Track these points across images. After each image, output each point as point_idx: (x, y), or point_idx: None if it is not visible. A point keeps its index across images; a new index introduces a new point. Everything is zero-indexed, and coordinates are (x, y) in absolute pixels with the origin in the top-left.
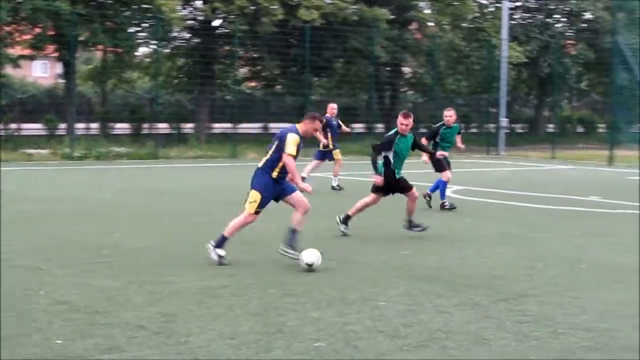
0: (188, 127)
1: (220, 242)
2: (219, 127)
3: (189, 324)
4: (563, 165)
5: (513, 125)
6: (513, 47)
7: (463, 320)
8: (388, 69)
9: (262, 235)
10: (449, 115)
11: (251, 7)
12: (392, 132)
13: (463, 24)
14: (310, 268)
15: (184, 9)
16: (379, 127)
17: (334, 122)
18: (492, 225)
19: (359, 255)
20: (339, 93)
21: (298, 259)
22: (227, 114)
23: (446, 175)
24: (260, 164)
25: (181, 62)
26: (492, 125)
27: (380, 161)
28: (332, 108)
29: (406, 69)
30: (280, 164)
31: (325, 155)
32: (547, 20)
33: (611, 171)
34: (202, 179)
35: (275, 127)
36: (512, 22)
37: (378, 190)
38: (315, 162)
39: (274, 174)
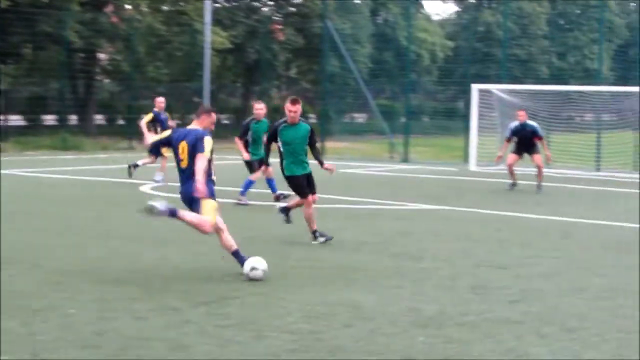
0: None
1: None
2: None
3: None
4: (270, 158)
5: (220, 115)
6: (217, 32)
7: (160, 326)
8: (82, 55)
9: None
10: (260, 108)
11: None
12: (280, 120)
13: (164, 7)
14: None
15: None
16: (73, 118)
17: (163, 117)
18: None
19: (42, 259)
20: (29, 81)
21: None
22: None
23: (256, 175)
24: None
25: None
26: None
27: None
28: (160, 102)
29: (102, 55)
30: None
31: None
32: (254, 3)
33: None
34: None
35: None
36: (217, 5)
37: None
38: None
39: None
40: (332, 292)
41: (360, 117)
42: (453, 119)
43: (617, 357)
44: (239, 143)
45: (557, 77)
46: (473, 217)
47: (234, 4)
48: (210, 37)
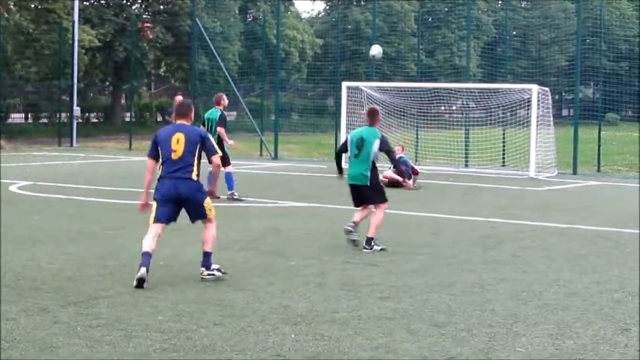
0: None
1: None
2: None
3: None
4: (141, 157)
5: (87, 114)
6: (86, 30)
7: (30, 327)
8: None
9: None
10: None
11: None
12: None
13: (31, 4)
14: None
15: None
16: None
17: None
18: (62, 223)
19: None
20: None
21: None
22: None
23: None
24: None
25: None
26: (64, 115)
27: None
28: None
29: None
30: None
31: None
32: (123, 2)
33: None
34: None
35: None
36: (85, 3)
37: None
38: None
39: None
40: (202, 290)
41: (230, 115)
42: (323, 116)
43: (486, 352)
44: (223, 132)
45: (426, 75)
46: (343, 214)
47: (102, 2)
48: (79, 35)
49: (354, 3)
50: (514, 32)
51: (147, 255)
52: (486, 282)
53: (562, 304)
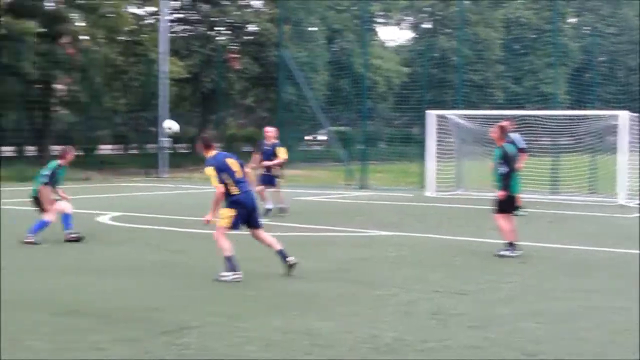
0: None
1: None
2: None
3: None
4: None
5: (176, 145)
6: (174, 61)
7: (121, 356)
8: (39, 86)
9: None
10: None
11: None
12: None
13: (120, 38)
14: None
15: None
16: (30, 149)
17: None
18: (149, 253)
19: None
20: None
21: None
22: None
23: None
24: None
25: None
26: (152, 146)
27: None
28: (268, 132)
29: (59, 86)
30: None
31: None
32: (210, 33)
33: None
34: None
35: None
36: (172, 35)
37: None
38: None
39: None
40: (290, 320)
41: (317, 145)
42: (409, 144)
43: None
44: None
45: (513, 102)
46: (430, 243)
47: (190, 33)
48: (167, 66)
49: (440, 31)
50: (602, 58)
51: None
52: (575, 310)
53: None
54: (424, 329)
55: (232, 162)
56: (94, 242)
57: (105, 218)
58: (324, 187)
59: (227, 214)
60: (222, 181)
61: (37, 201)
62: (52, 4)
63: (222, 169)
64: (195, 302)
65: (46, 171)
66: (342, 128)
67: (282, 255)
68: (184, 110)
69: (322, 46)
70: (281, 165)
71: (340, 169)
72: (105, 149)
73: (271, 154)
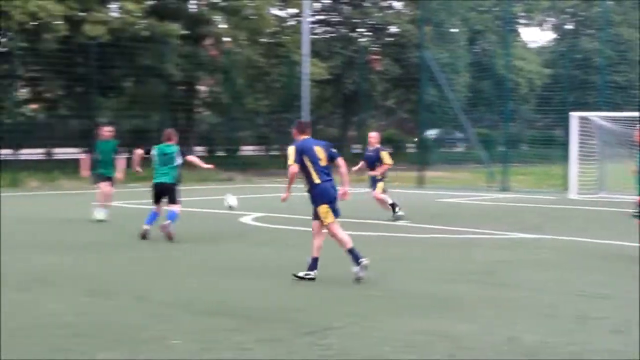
0: None
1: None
2: None
3: None
4: (370, 188)
5: None
6: (315, 63)
7: (265, 356)
8: (182, 87)
9: (45, 271)
10: (372, 136)
11: (31, 23)
12: None
13: (262, 39)
14: None
15: None
16: None
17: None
18: (292, 254)
19: (147, 291)
20: (130, 114)
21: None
22: (6, 139)
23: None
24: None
25: None
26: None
27: None
28: (371, 137)
29: (202, 88)
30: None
31: None
32: (351, 34)
33: (421, 193)
34: None
35: (60, 152)
36: (314, 36)
37: None
38: None
39: None
40: (432, 322)
41: (458, 146)
42: (552, 147)
43: None
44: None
45: None
46: (572, 246)
47: (332, 35)
48: (308, 68)
49: (583, 32)
50: None
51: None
52: None
53: None
54: (565, 332)
55: (319, 150)
56: (237, 242)
57: (247, 219)
58: (465, 189)
59: (323, 210)
60: (300, 161)
61: (170, 191)
62: (195, 7)
63: (304, 151)
64: (334, 303)
65: (178, 159)
66: (483, 130)
67: (354, 255)
68: (326, 112)
69: (464, 47)
70: (384, 173)
71: (481, 171)
72: (247, 150)
73: (375, 160)
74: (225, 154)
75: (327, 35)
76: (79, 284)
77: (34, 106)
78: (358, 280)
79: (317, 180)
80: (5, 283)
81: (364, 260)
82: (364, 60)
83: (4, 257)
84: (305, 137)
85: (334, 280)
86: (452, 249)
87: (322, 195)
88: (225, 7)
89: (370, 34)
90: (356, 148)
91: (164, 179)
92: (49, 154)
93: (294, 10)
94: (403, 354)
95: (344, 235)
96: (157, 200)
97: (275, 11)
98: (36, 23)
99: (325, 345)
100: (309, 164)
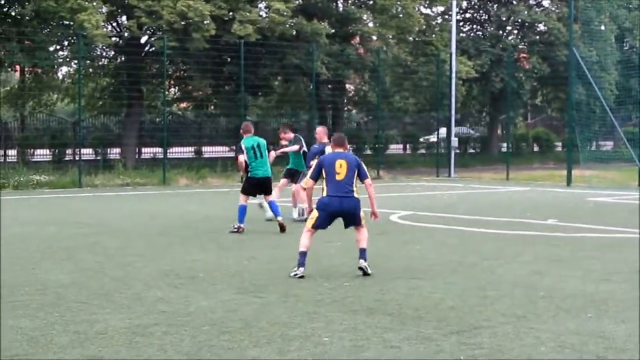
0: (114, 152)
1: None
2: (148, 151)
3: None
4: (518, 187)
5: (464, 145)
6: (463, 61)
7: (413, 355)
8: (330, 86)
9: (193, 268)
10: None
11: (181, 22)
12: None
13: (409, 38)
14: None
15: (109, 24)
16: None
17: None
18: (442, 253)
19: (297, 288)
20: (278, 113)
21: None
22: (157, 138)
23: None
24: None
25: (105, 82)
26: (441, 145)
27: None
28: None
29: (349, 86)
30: None
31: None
32: (499, 32)
33: (569, 192)
34: (129, 208)
35: (209, 150)
36: (462, 34)
37: None
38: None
39: None
40: (583, 322)
41: (607, 145)
42: None
43: None
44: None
45: None
46: None
47: (479, 33)
48: (456, 66)
49: None
50: None
51: (304, 255)
52: None
53: None
54: None
55: (342, 164)
56: (387, 240)
57: (394, 217)
58: (615, 187)
59: (314, 214)
60: (316, 178)
61: (268, 185)
62: (343, 5)
63: (323, 165)
64: (484, 301)
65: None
66: (632, 128)
67: (300, 261)
68: (473, 110)
69: (612, 45)
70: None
71: (632, 170)
72: (395, 148)
73: (320, 155)
74: (372, 152)
75: (475, 34)
76: (229, 280)
77: (183, 105)
78: None
79: (324, 193)
80: (160, 278)
81: (298, 271)
82: (511, 58)
83: (166, 255)
84: (339, 149)
85: (488, 281)
86: (606, 249)
87: (322, 204)
88: (373, 6)
89: (517, 31)
90: (503, 147)
91: (265, 172)
92: (198, 152)
93: (441, 9)
94: (556, 354)
95: (306, 240)
96: (254, 193)
97: (423, 9)
98: (185, 22)
99: (475, 344)
100: (325, 176)
